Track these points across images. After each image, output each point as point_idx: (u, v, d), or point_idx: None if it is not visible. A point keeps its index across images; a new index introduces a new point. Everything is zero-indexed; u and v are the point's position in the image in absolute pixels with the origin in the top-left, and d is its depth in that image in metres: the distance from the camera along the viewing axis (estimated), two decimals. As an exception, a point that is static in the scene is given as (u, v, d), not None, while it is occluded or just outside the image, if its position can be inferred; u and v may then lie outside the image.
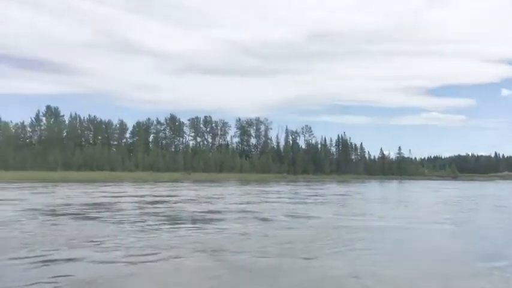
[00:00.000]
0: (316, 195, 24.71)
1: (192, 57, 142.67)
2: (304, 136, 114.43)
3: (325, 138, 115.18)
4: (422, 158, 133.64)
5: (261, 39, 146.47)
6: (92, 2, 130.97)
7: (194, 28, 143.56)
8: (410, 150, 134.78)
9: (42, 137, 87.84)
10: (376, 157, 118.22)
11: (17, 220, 10.86)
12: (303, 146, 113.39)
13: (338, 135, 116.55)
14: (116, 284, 5.19)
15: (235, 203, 17.85)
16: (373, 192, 31.98)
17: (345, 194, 27.79)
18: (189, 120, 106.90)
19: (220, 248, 7.30)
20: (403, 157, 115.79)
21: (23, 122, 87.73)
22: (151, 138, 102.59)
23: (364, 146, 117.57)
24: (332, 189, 35.24)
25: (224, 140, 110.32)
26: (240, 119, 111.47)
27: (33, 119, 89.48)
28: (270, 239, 8.33)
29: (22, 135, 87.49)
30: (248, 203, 18.26)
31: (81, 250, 6.99)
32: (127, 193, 24.32)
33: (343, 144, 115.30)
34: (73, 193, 23.49)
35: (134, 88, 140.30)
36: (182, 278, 5.46)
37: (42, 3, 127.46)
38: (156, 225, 10.25)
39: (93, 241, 7.76)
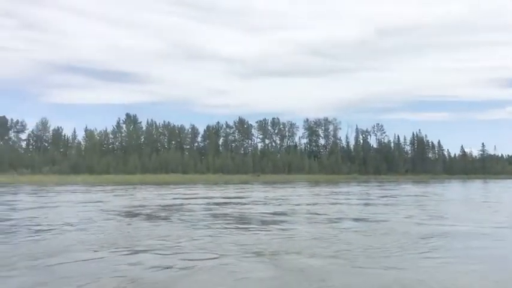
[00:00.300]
0: (388, 197, 23.50)
1: (260, 61, 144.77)
2: (376, 135, 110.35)
3: (398, 137, 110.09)
4: (510, 155, 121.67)
5: (329, 38, 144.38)
6: (166, 15, 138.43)
7: (261, 31, 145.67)
8: (495, 146, 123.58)
9: (123, 143, 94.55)
10: (457, 155, 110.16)
11: (97, 220, 11.61)
12: (375, 145, 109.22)
13: (413, 133, 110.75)
14: (166, 285, 5.21)
15: (303, 204, 17.56)
16: (454, 193, 29.68)
17: (422, 195, 26.09)
18: (257, 122, 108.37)
19: (281, 250, 7.13)
20: (488, 155, 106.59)
21: (106, 129, 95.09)
22: (221, 141, 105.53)
23: (442, 143, 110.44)
24: (407, 189, 33.35)
25: (292, 141, 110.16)
26: (308, 120, 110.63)
27: (115, 127, 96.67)
28: (333, 243, 7.95)
29: (105, 142, 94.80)
30: (316, 204, 17.86)
31: (147, 250, 7.20)
32: (198, 195, 25.10)
33: (419, 142, 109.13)
34: (149, 195, 24.76)
35: (205, 94, 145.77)
36: (234, 282, 5.34)
37: (120, 18, 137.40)
38: (223, 226, 10.34)
39: (158, 241, 7.98)
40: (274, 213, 13.81)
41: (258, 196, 23.88)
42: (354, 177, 79.36)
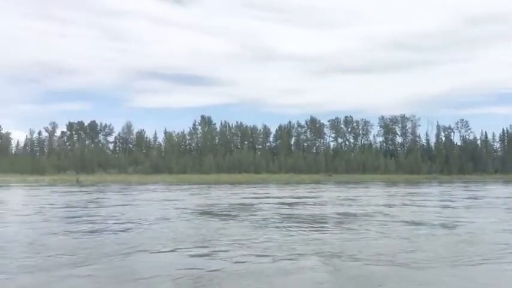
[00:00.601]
0: (473, 198, 21.69)
1: (333, 58, 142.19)
2: (460, 132, 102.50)
3: (485, 133, 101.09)
4: None
5: (408, 31, 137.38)
6: (239, 18, 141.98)
7: (335, 27, 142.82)
8: None
9: (199, 144, 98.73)
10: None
11: (173, 217, 12.28)
12: (458, 143, 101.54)
13: (503, 129, 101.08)
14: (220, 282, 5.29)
15: (377, 206, 16.87)
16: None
17: (512, 196, 23.70)
18: (329, 121, 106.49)
19: (342, 253, 6.95)
20: None
21: (183, 131, 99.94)
22: (293, 141, 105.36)
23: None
24: (495, 191, 30.50)
25: (367, 140, 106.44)
26: (383, 117, 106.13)
27: (191, 128, 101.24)
28: (403, 249, 7.52)
29: (183, 143, 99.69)
30: (391, 206, 17.07)
31: (217, 246, 7.43)
32: (269, 194, 25.33)
33: (510, 139, 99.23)
34: (223, 194, 25.56)
35: (277, 93, 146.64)
36: (288, 283, 5.28)
37: (199, 25, 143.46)
38: (290, 225, 10.33)
39: (227, 238, 8.19)
40: (344, 214, 13.47)
41: (330, 196, 23.45)
42: (435, 177, 74.39)
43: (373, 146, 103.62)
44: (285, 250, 7.14)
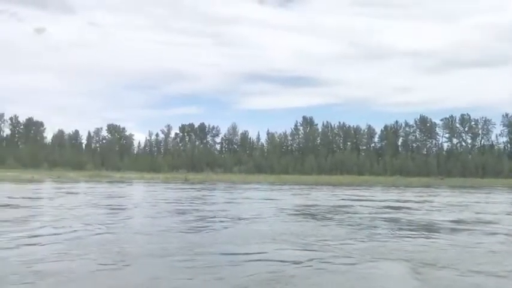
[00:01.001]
0: None
1: (448, 52, 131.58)
2: None
3: None
4: None
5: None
6: (347, 16, 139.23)
7: (450, 19, 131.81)
8: None
9: (300, 145, 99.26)
10: None
11: (269, 216, 12.57)
12: None
13: None
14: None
15: (495, 213, 14.98)
16: None
17: None
18: (442, 120, 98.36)
19: (438, 261, 6.31)
20: None
21: (285, 132, 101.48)
22: (400, 141, 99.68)
23: None
24: None
25: (488, 140, 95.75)
26: (507, 115, 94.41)
27: (293, 129, 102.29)
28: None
29: (285, 144, 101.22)
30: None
31: (311, 246, 7.35)
32: (372, 197, 24.27)
33: None
34: (322, 195, 25.24)
35: (384, 92, 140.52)
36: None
37: (302, 26, 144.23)
38: (388, 230, 9.75)
39: (321, 239, 8.04)
40: (455, 222, 12.23)
41: (441, 201, 21.54)
42: None
43: (496, 147, 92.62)
44: (375, 255, 6.76)
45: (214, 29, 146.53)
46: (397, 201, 21.40)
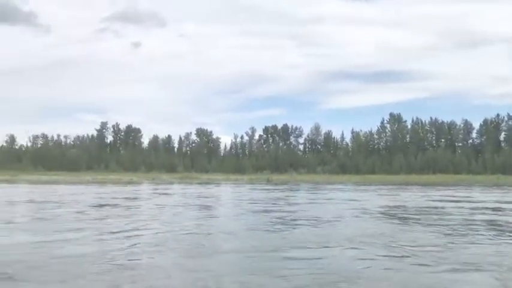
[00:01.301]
0: None
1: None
2: None
3: None
4: None
5: None
6: (435, 4, 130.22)
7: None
8: None
9: (388, 143, 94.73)
10: None
11: (352, 216, 12.29)
12: None
13: None
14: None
15: None
16: None
17: None
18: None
19: None
20: None
21: (371, 130, 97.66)
22: (502, 136, 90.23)
23: None
24: None
25: None
26: None
27: (379, 127, 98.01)
28: None
29: (370, 142, 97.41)
30: None
31: (383, 250, 7.03)
32: (468, 198, 22.29)
33: None
34: (412, 196, 23.86)
35: (482, 83, 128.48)
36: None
37: (386, 19, 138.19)
38: (482, 236, 8.87)
39: (407, 243, 7.63)
40: None
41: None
42: None
43: None
44: (459, 260, 6.24)
45: (296, 29, 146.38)
46: (499, 202, 19.39)
